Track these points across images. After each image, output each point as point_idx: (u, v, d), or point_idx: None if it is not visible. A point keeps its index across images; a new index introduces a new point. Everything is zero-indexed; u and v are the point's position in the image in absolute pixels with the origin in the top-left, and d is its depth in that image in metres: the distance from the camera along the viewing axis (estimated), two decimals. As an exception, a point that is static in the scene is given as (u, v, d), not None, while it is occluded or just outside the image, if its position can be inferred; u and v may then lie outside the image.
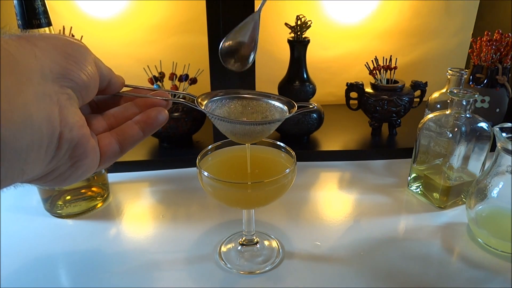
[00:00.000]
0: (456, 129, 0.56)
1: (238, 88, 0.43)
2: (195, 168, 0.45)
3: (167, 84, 0.75)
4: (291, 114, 0.39)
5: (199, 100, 0.38)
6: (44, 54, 0.24)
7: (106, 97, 0.34)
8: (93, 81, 0.27)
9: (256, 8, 0.62)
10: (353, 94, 0.81)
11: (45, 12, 0.49)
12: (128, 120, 0.32)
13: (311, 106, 0.42)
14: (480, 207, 0.53)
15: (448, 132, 0.57)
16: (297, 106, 0.40)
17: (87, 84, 0.26)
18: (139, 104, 0.33)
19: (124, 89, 0.33)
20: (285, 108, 0.41)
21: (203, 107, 0.38)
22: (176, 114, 0.72)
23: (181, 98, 0.41)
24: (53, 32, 0.51)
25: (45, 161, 0.24)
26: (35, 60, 0.23)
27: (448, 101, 0.58)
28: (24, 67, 0.22)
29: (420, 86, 0.80)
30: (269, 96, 0.42)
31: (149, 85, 0.74)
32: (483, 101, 0.78)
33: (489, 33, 0.76)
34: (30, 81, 0.22)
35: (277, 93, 0.75)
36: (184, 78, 0.73)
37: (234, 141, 0.42)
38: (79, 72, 0.26)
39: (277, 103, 0.42)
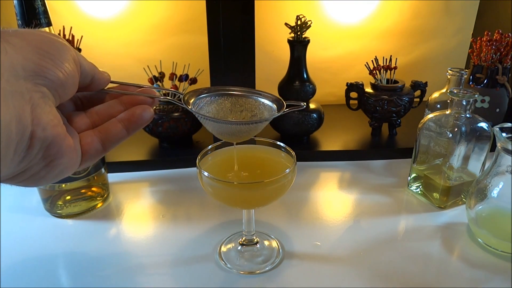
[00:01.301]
0: (456, 129, 0.56)
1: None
2: (195, 168, 0.45)
3: (167, 84, 0.75)
4: (279, 114, 0.39)
5: (186, 98, 0.37)
6: (16, 51, 0.23)
7: (90, 94, 0.33)
8: (70, 79, 0.26)
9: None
10: (353, 94, 0.81)
11: (45, 12, 0.49)
12: (112, 117, 0.31)
13: (301, 105, 0.40)
14: (480, 207, 0.53)
15: (448, 132, 0.57)
16: (286, 105, 0.39)
17: (64, 82, 0.26)
18: (124, 101, 0.32)
19: (110, 85, 0.33)
20: (274, 106, 0.40)
21: (190, 106, 0.36)
22: (176, 114, 0.72)
23: (168, 96, 0.39)
24: (53, 32, 0.51)
25: (14, 161, 0.24)
26: (5, 57, 0.22)
27: (448, 101, 0.58)
28: None
29: (420, 86, 0.80)
30: (258, 93, 0.41)
31: (149, 85, 0.73)
32: (483, 101, 0.78)
33: (489, 33, 0.76)
34: None
35: (276, 93, 0.76)
36: (184, 78, 0.73)
37: (222, 139, 0.41)
38: (55, 70, 0.25)
39: (266, 101, 0.41)
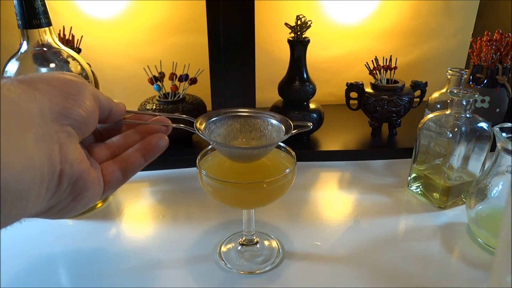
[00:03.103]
0: (456, 129, 0.56)
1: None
2: (195, 168, 0.45)
3: (167, 84, 0.75)
4: (287, 136, 0.40)
5: (197, 124, 0.39)
6: (43, 96, 0.25)
7: (108, 125, 0.34)
8: (92, 115, 0.28)
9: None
10: (353, 94, 0.81)
11: (45, 12, 0.49)
12: (130, 147, 0.33)
13: (307, 126, 0.43)
14: (480, 207, 0.53)
15: (448, 132, 0.57)
16: (293, 126, 0.41)
17: (86, 119, 0.27)
18: (140, 130, 0.34)
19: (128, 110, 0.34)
20: (282, 127, 0.42)
21: (201, 131, 0.39)
22: (176, 114, 0.72)
23: (180, 123, 0.40)
24: (53, 32, 0.51)
25: (46, 198, 0.25)
26: (36, 103, 0.24)
27: (448, 101, 0.58)
28: (25, 111, 0.23)
29: (420, 86, 0.80)
30: (266, 114, 0.43)
31: (149, 86, 0.74)
32: (483, 101, 0.78)
33: (489, 33, 0.76)
34: (31, 124, 0.23)
35: (276, 93, 0.76)
36: (184, 78, 0.73)
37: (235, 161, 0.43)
38: (78, 109, 0.26)
39: (273, 121, 0.43)
